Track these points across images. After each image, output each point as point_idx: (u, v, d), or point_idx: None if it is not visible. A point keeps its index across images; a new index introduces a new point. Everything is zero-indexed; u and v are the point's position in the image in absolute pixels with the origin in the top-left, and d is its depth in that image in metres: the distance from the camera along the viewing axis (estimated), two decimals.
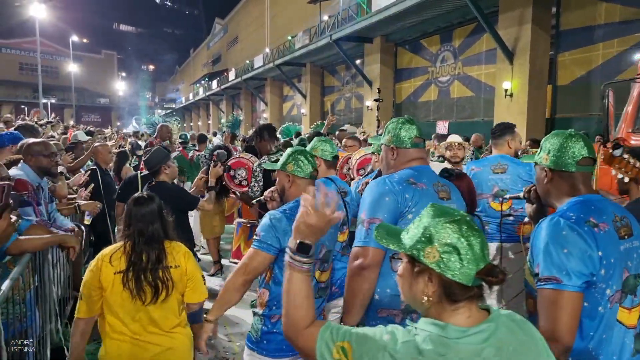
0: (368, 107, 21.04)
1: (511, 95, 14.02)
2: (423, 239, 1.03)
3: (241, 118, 28.31)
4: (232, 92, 40.88)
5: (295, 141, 10.14)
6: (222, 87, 40.35)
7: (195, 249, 4.40)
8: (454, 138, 4.16)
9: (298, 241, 1.22)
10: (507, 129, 3.40)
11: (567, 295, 1.36)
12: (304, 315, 1.17)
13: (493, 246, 3.11)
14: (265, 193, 2.68)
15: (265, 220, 2.02)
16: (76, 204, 3.64)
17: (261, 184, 3.87)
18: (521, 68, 13.65)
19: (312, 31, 23.58)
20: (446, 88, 18.52)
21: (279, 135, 9.50)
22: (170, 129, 8.51)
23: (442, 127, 17.56)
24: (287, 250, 1.25)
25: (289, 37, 27.20)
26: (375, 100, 17.79)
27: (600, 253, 1.39)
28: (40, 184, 3.02)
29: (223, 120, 13.12)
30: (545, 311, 1.38)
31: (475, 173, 3.31)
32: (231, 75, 38.64)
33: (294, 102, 31.61)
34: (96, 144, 5.51)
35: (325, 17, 23.24)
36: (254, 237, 2.04)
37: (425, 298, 1.02)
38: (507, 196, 2.55)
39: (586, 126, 12.38)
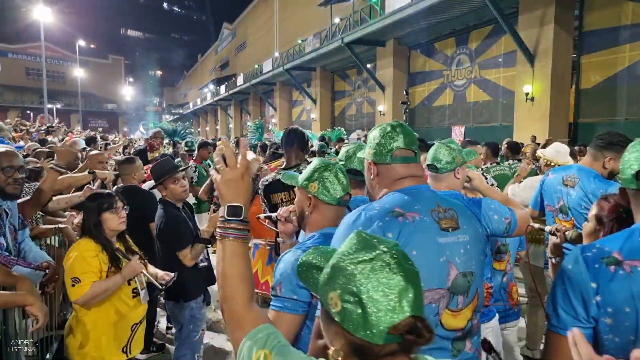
0: (381, 111, 20.59)
1: (532, 99, 13.52)
2: (328, 280, 0.85)
3: (271, 121, 26.92)
4: (241, 97, 40.63)
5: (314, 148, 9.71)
6: (230, 92, 40.11)
7: None
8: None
9: (227, 205, 1.13)
10: (614, 145, 2.67)
11: None
12: (239, 299, 1.07)
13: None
14: (281, 211, 2.05)
15: (283, 266, 1.50)
16: (57, 227, 3.02)
17: (265, 208, 3.20)
18: (543, 71, 13.14)
19: (323, 34, 23.21)
20: (462, 92, 18.02)
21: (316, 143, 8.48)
22: (162, 134, 8.04)
23: (458, 132, 17.07)
24: (218, 221, 1.13)
25: (299, 41, 26.85)
26: (403, 103, 17.29)
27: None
28: (2, 207, 2.33)
29: (249, 124, 12.37)
30: None
31: (547, 180, 2.97)
32: (239, 80, 38.40)
33: (304, 107, 31.25)
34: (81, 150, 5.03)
35: (337, 20, 22.83)
36: (271, 292, 1.50)
37: (332, 350, 0.83)
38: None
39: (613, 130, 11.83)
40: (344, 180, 1.65)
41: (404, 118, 17.20)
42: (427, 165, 2.17)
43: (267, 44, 37.83)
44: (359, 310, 0.79)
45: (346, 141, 10.71)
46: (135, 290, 2.44)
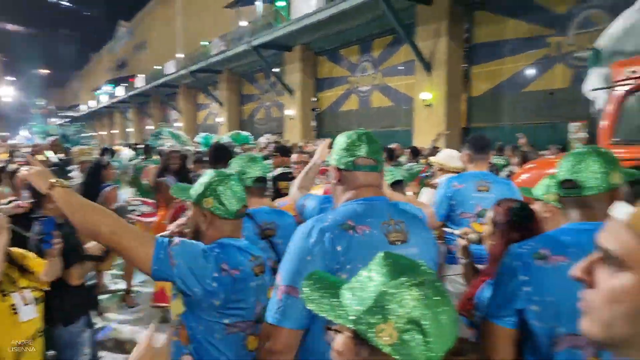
0: (290, 116, 20.74)
1: (430, 105, 14.51)
2: (375, 310, 0.75)
3: (174, 125, 25.49)
4: (141, 99, 38.46)
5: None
6: (129, 94, 37.82)
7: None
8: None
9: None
10: (488, 145, 3.11)
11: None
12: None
13: None
14: (171, 227, 2.00)
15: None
16: None
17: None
18: (439, 80, 14.18)
19: (229, 37, 22.83)
20: (366, 98, 18.80)
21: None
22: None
23: None
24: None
25: (204, 43, 26.13)
26: (313, 109, 17.56)
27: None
28: None
29: (168, 130, 10.17)
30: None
31: (457, 190, 3.01)
32: (139, 81, 36.34)
33: (210, 110, 30.44)
34: None
35: (243, 23, 22.60)
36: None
37: None
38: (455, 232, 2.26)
39: (497, 135, 13.12)
40: (240, 192, 1.64)
41: (315, 123, 17.51)
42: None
43: (169, 45, 36.25)
44: (420, 339, 0.73)
45: (254, 144, 10.54)
46: (13, 307, 2.12)
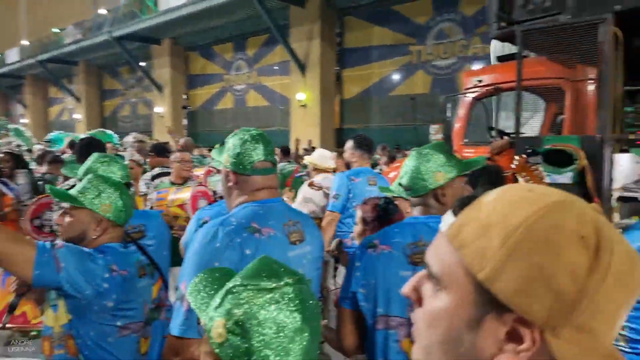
0: (159, 113, 19.48)
1: (305, 106, 14.77)
2: (218, 306, 0.75)
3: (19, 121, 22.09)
4: None
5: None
6: None
7: None
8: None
9: None
10: (372, 144, 3.38)
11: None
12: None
13: None
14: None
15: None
16: None
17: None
18: (313, 81, 14.49)
19: (86, 26, 20.64)
20: (242, 97, 18.49)
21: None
22: None
23: None
24: None
25: (56, 30, 23.25)
26: (184, 107, 16.56)
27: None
28: None
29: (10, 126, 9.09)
30: None
31: (355, 184, 3.23)
32: None
33: (64, 105, 27.28)
34: None
35: (102, 11, 20.59)
36: None
37: None
38: None
39: (368, 136, 13.87)
40: (129, 199, 1.63)
41: (185, 121, 16.67)
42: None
43: (11, 30, 31.59)
44: (243, 346, 0.69)
45: (119, 144, 9.64)
46: None
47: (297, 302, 0.73)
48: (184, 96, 16.32)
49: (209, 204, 3.55)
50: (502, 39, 2.96)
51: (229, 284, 0.75)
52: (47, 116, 28.70)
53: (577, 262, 0.46)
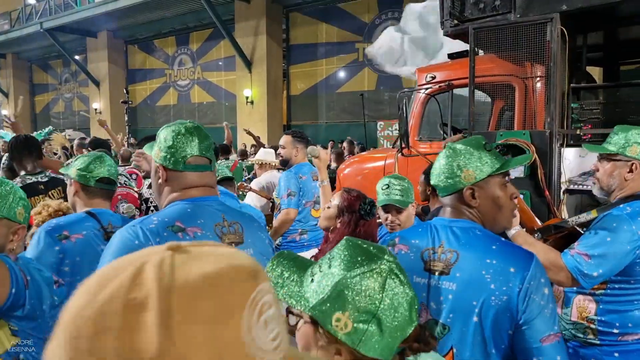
0: (96, 109, 18.49)
1: (252, 102, 14.55)
2: (331, 299, 0.77)
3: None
4: None
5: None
6: None
7: None
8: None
9: None
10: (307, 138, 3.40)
11: None
12: None
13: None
14: None
15: None
16: None
17: None
18: (260, 77, 14.30)
19: (14, 15, 19.18)
20: (186, 92, 17.93)
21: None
22: None
23: None
24: None
25: None
26: (123, 102, 15.61)
27: None
28: None
29: None
30: None
31: (303, 181, 3.19)
32: None
33: None
34: None
35: (31, 1, 19.22)
36: None
37: None
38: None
39: (316, 133, 13.90)
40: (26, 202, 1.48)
41: (126, 118, 15.83)
42: None
43: None
44: (375, 329, 0.76)
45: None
46: None
47: (402, 276, 0.80)
48: (124, 91, 15.49)
49: (136, 207, 3.41)
50: (454, 36, 3.01)
51: (335, 279, 0.78)
52: None
53: None
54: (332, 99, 14.59)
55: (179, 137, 1.29)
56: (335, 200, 1.93)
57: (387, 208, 2.10)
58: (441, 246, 1.25)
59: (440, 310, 1.21)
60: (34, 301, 1.32)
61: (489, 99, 3.95)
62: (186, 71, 17.73)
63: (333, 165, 6.82)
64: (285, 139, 3.26)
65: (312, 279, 0.82)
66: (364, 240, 0.85)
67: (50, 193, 2.92)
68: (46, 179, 2.95)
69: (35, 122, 22.27)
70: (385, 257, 0.80)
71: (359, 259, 0.79)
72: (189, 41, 17.39)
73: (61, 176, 2.98)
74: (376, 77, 13.49)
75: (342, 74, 14.38)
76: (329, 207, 1.96)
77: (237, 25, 14.42)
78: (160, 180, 1.35)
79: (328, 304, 0.77)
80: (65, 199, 2.92)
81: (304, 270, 0.86)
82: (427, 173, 2.33)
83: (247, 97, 14.50)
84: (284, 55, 15.03)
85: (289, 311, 0.86)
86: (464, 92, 3.19)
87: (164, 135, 1.32)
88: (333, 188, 3.68)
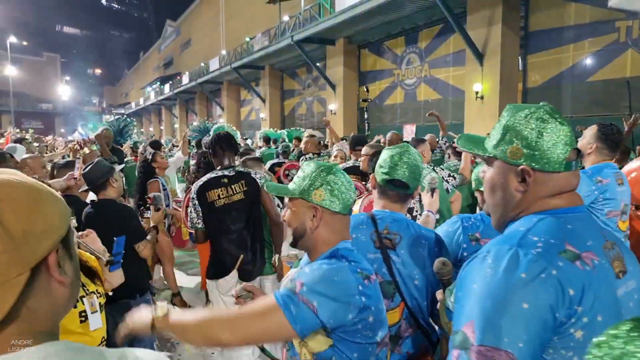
0: (332, 111, 20.27)
1: (482, 97, 13.61)
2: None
3: (219, 121, 25.28)
4: (186, 96, 39.15)
5: (272, 148, 9.05)
6: (175, 91, 38.55)
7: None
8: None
9: None
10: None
11: None
12: None
13: None
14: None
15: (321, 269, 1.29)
16: None
17: (199, 210, 3.16)
18: (492, 70, 13.25)
19: (272, 32, 22.60)
20: (412, 91, 18.03)
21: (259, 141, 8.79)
22: (111, 132, 7.35)
23: (409, 130, 17.03)
24: None
25: (247, 39, 26.07)
26: (364, 100, 16.86)
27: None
28: None
29: (195, 123, 11.49)
30: None
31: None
32: (185, 78, 36.94)
33: (252, 106, 30.49)
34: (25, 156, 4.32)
35: (286, 18, 22.29)
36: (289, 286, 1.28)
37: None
38: None
39: None
40: (350, 184, 1.43)
41: (366, 115, 16.76)
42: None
43: (214, 42, 36.65)
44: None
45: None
46: (83, 314, 1.83)
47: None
48: (364, 88, 16.43)
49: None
50: None
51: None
52: (239, 116, 32.47)
53: None
54: (581, 89, 12.48)
55: (543, 126, 0.99)
56: None
57: None
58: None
59: None
60: (332, 321, 1.29)
61: None
62: (413, 70, 17.80)
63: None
64: (588, 130, 3.00)
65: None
66: None
67: (232, 186, 3.16)
68: (233, 173, 3.19)
69: (283, 123, 25.83)
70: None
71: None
72: (417, 39, 17.40)
73: (248, 170, 3.29)
74: None
75: (594, 60, 12.16)
76: None
77: (469, 17, 13.66)
78: (518, 185, 1.04)
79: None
80: (246, 192, 3.18)
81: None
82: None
83: (476, 93, 13.63)
84: (521, 44, 13.57)
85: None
86: None
87: (531, 125, 1.01)
88: None
